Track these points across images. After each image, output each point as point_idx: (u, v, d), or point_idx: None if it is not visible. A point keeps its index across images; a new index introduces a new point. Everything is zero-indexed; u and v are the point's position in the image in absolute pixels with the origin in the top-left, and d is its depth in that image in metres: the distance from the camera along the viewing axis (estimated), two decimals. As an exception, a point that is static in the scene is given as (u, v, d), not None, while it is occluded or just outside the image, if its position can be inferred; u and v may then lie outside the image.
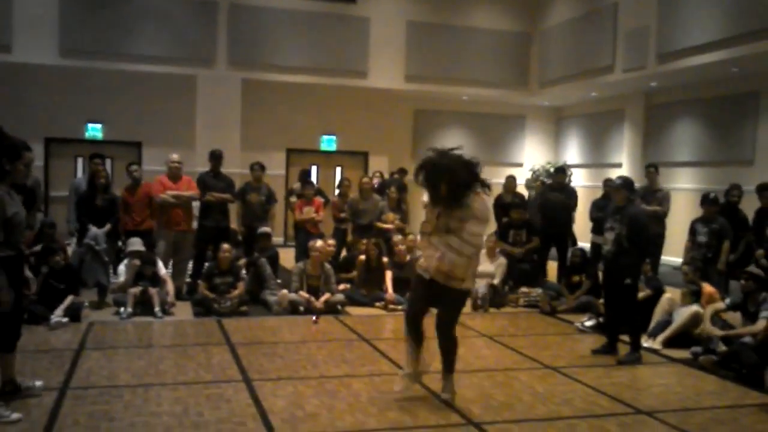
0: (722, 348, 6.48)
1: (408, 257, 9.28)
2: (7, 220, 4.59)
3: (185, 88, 14.32)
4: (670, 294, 7.70)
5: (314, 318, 8.02)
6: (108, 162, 12.40)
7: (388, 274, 9.07)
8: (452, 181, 4.88)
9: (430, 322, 5.20)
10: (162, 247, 8.88)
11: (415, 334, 5.18)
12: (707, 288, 7.44)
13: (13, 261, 4.65)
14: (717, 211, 8.71)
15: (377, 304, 8.90)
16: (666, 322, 7.26)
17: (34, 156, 5.41)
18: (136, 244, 8.46)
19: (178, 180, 9.08)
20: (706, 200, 8.73)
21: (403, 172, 13.30)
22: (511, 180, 11.37)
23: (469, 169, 4.98)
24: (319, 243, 8.88)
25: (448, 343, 5.15)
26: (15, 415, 4.54)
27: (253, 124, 14.84)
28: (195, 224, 9.68)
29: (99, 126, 14.21)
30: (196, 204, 9.51)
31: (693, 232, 8.81)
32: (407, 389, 5.25)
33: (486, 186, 5.07)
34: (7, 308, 4.62)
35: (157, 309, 7.89)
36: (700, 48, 11.47)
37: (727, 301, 6.90)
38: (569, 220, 10.71)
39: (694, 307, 7.20)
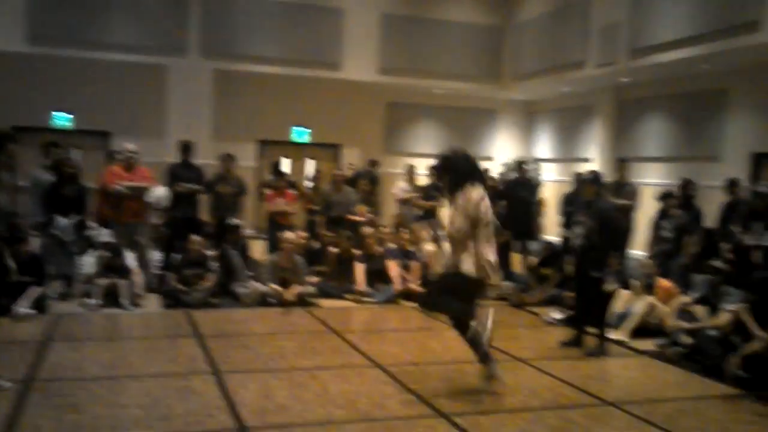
0: (688, 340, 6.59)
1: (380, 249, 9.29)
2: None
3: (156, 78, 14.14)
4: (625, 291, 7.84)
5: (282, 307, 8.00)
6: (80, 152, 12.24)
7: (359, 267, 9.06)
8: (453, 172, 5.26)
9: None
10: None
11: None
12: (663, 283, 7.54)
13: None
14: (676, 205, 8.92)
15: (348, 296, 8.89)
16: (624, 315, 7.36)
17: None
18: (105, 235, 8.38)
19: (132, 170, 8.90)
20: (665, 195, 9.01)
21: (374, 164, 13.29)
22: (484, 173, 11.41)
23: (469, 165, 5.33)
24: (291, 234, 8.85)
25: None
26: (-22, 408, 4.48)
27: (225, 114, 14.69)
28: (163, 216, 9.57)
29: (66, 115, 13.97)
30: (166, 194, 9.40)
31: (656, 227, 8.98)
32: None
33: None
34: None
35: (125, 301, 7.81)
36: (672, 44, 11.58)
37: (695, 294, 7.01)
38: (531, 215, 10.83)
39: (649, 298, 7.32)
